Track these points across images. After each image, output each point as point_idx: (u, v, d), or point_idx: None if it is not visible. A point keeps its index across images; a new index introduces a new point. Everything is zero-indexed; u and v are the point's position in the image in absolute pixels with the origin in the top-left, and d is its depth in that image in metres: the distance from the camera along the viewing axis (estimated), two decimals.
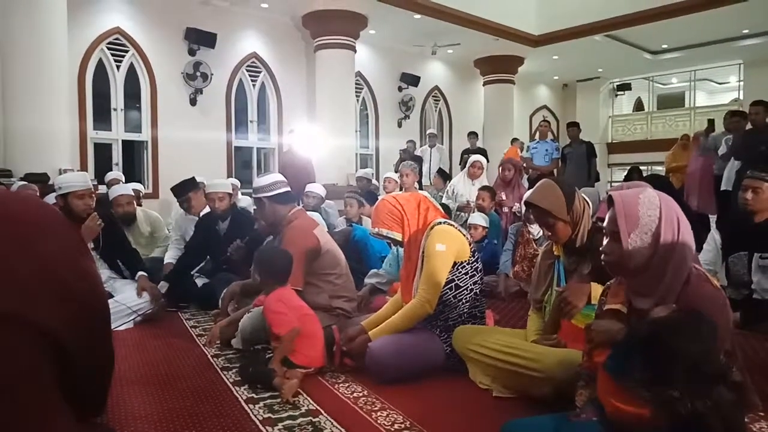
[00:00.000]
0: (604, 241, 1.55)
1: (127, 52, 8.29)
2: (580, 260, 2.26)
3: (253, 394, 2.21)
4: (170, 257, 4.33)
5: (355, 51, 9.61)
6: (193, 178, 4.62)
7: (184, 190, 4.50)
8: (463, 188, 5.76)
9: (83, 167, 7.56)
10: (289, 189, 3.02)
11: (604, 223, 1.54)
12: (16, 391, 0.79)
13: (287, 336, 2.33)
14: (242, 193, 6.08)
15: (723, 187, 6.41)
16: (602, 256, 1.55)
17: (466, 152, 9.48)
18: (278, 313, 2.39)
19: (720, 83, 17.51)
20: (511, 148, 10.08)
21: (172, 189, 4.68)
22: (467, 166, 5.95)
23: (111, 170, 7.47)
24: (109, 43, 8.12)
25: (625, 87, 15.68)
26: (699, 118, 14.01)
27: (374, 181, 7.17)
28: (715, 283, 1.48)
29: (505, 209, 5.47)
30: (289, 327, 2.34)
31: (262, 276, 2.51)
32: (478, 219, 4.63)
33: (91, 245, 3.36)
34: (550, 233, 2.28)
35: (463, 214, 5.43)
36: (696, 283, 1.45)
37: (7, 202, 0.90)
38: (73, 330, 0.85)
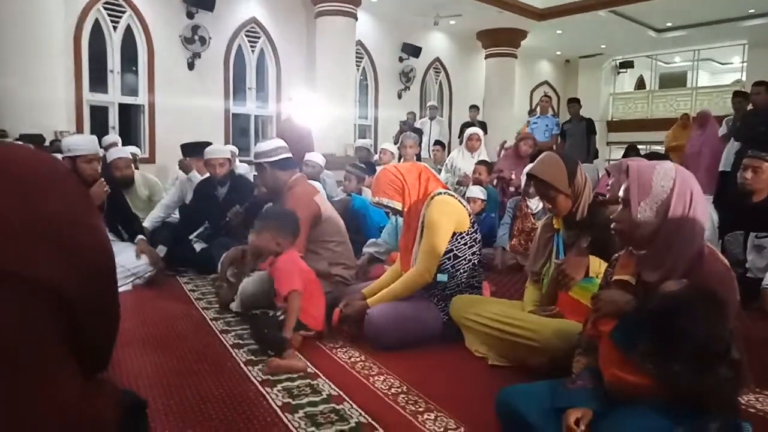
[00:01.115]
0: (617, 209, 1.54)
1: (124, 13, 8.13)
2: (579, 234, 2.26)
3: (252, 357, 2.23)
4: (150, 220, 4.22)
5: (357, 18, 9.45)
6: (208, 143, 4.58)
7: (193, 151, 4.49)
8: (462, 161, 5.74)
9: (79, 130, 7.47)
10: (290, 155, 3.00)
11: (620, 192, 1.53)
12: (20, 348, 0.80)
13: (292, 297, 2.29)
14: (240, 161, 6.04)
15: (721, 168, 6.41)
16: (613, 223, 1.55)
17: (466, 125, 9.37)
18: (287, 271, 2.36)
19: (723, 63, 17.37)
20: None
21: (182, 146, 4.66)
22: (465, 139, 5.92)
23: (107, 133, 7.40)
24: (105, 3, 7.94)
25: (627, 65, 15.56)
26: (701, 98, 13.95)
27: (375, 156, 7.11)
28: (725, 262, 1.48)
29: (512, 189, 5.31)
30: (291, 287, 2.31)
31: (273, 234, 2.43)
32: (477, 192, 4.63)
33: None
34: (550, 206, 2.28)
35: (462, 187, 5.41)
36: (709, 260, 1.44)
37: (9, 154, 0.88)
38: (80, 286, 0.85)
